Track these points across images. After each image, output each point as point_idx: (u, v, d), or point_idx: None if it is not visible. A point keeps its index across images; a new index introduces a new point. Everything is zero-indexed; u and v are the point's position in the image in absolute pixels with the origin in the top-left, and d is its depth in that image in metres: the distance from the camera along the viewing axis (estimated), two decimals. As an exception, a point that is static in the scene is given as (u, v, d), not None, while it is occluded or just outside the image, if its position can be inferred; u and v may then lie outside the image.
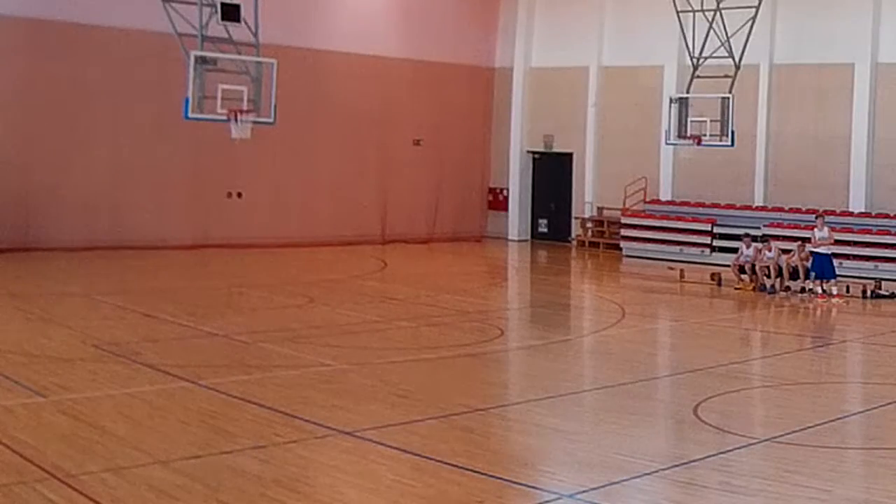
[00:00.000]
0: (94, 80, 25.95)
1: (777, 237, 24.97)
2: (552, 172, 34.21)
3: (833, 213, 27.16)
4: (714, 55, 25.39)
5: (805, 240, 23.25)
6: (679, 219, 29.46)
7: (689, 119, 26.10)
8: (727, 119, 25.29)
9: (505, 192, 35.07)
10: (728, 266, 23.89)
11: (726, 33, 25.03)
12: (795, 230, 25.13)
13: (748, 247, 23.28)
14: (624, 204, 31.19)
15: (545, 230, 34.68)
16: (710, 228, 28.58)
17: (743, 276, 23.16)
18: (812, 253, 22.11)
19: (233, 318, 17.45)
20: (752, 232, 24.85)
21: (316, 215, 29.90)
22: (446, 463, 9.40)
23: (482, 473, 9.15)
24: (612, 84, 32.27)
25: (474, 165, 34.95)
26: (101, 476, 8.74)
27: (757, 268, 22.93)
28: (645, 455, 9.98)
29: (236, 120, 20.26)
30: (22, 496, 8.31)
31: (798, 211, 27.66)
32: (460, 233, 33.87)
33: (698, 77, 25.80)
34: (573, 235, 33.34)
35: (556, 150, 33.97)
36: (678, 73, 29.46)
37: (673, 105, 26.61)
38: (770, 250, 22.98)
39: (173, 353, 14.29)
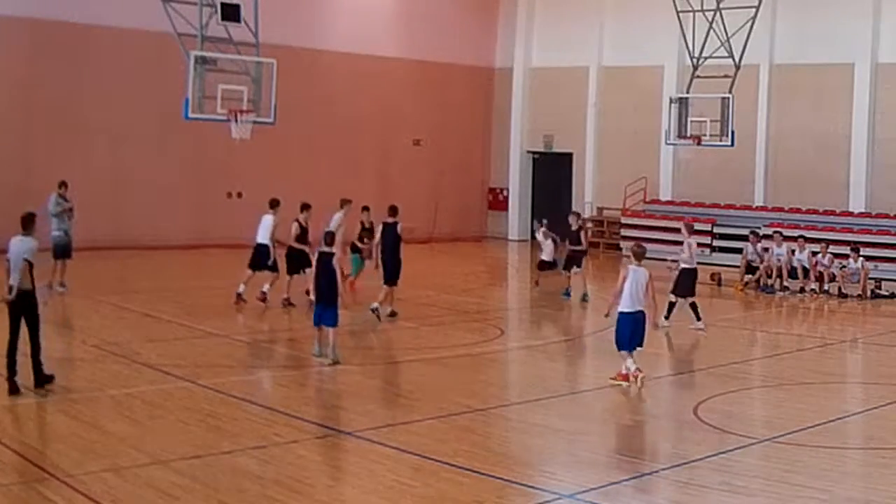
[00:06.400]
0: (94, 79, 25.98)
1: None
2: (552, 172, 34.22)
3: (833, 213, 27.19)
4: (714, 55, 25.38)
5: (806, 239, 23.31)
6: (679, 219, 29.29)
7: (689, 119, 26.10)
8: (727, 119, 25.29)
9: (505, 192, 35.09)
10: (727, 266, 23.90)
11: (726, 33, 25.02)
12: (795, 230, 25.12)
13: (755, 244, 23.26)
14: (624, 204, 31.18)
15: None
16: (710, 228, 28.55)
17: (748, 276, 23.09)
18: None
19: (233, 318, 17.44)
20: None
21: (315, 215, 29.84)
22: (446, 463, 9.40)
23: (482, 473, 9.15)
24: (612, 84, 32.27)
25: (474, 165, 34.97)
26: (101, 476, 8.74)
27: (761, 267, 22.94)
28: (645, 455, 9.98)
29: (236, 120, 20.23)
30: (22, 496, 8.31)
31: (798, 211, 27.65)
32: (460, 233, 33.88)
33: (698, 77, 25.79)
34: (573, 235, 33.29)
35: (556, 150, 33.98)
36: (678, 73, 29.48)
37: (673, 105, 26.63)
38: (780, 245, 22.98)
39: (173, 353, 14.29)
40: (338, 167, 30.24)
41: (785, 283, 22.78)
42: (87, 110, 25.94)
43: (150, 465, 9.10)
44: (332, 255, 13.72)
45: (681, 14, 26.09)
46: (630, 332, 12.62)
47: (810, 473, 9.34)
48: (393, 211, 17.92)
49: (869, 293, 22.06)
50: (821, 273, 22.57)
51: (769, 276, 22.91)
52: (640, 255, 12.89)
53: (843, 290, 22.11)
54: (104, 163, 26.23)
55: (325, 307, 13.52)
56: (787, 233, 24.27)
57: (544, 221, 22.48)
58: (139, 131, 26.73)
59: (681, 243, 18.03)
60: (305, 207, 18.62)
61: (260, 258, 18.37)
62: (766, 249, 23.40)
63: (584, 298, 20.44)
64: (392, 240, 17.63)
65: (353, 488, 8.97)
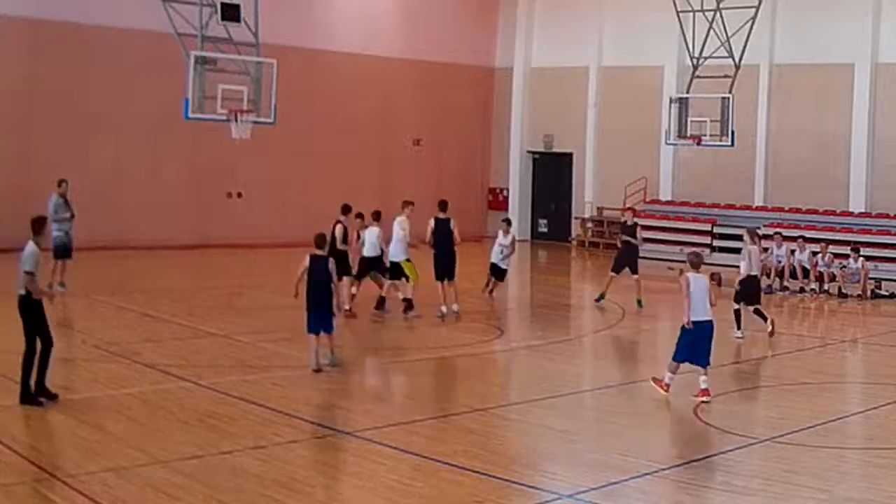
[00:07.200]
0: (94, 79, 25.99)
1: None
2: (552, 172, 34.23)
3: (833, 213, 27.19)
4: (714, 55, 25.39)
5: (806, 239, 23.28)
6: (679, 219, 29.45)
7: (689, 119, 26.12)
8: (727, 119, 25.30)
9: (505, 192, 35.09)
10: (727, 266, 23.81)
11: (726, 33, 25.03)
12: (795, 230, 25.13)
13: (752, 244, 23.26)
14: (624, 204, 31.12)
15: (545, 230, 34.69)
16: (710, 228, 28.57)
17: None
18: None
19: (233, 318, 17.45)
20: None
21: (315, 215, 29.84)
22: (446, 463, 9.41)
23: (482, 473, 9.15)
24: (612, 84, 32.27)
25: (474, 165, 34.97)
26: (101, 476, 8.74)
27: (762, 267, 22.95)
28: (645, 455, 9.98)
29: (236, 120, 20.25)
30: (22, 496, 8.31)
31: (798, 211, 27.66)
32: (460, 233, 33.76)
33: (698, 77, 25.80)
34: (573, 235, 33.34)
35: (556, 150, 33.99)
36: (678, 73, 29.48)
37: (673, 105, 26.64)
38: (780, 246, 22.96)
39: (173, 353, 14.29)
40: (338, 167, 30.24)
41: (785, 283, 22.78)
42: (87, 110, 25.94)
43: (150, 465, 9.10)
44: (325, 258, 13.64)
45: (681, 14, 26.10)
46: (691, 341, 12.16)
47: (810, 473, 9.34)
48: (443, 206, 18.16)
49: (869, 293, 22.07)
50: (821, 273, 22.56)
51: (769, 277, 22.90)
52: (697, 264, 12.55)
53: (843, 290, 22.12)
54: (104, 163, 26.23)
55: (318, 313, 13.41)
56: (787, 233, 24.29)
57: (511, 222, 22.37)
58: (139, 131, 26.74)
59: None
60: (350, 210, 18.48)
61: (372, 268, 18.33)
62: (765, 250, 23.37)
63: (600, 298, 20.30)
64: (446, 235, 17.94)
65: (353, 488, 8.97)
